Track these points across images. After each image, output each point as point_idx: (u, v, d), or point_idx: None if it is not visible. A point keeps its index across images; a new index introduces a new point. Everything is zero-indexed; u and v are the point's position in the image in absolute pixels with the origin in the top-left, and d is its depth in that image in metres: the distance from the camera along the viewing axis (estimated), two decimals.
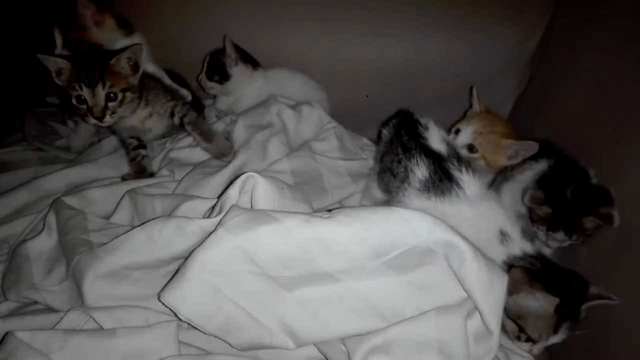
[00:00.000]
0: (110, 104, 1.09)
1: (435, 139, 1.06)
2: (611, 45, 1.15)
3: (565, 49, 1.34)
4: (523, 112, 1.47)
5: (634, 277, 0.88)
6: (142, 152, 1.23)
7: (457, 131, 1.22)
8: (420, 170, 1.01)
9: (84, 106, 1.08)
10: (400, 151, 1.07)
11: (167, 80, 1.28)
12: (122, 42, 1.24)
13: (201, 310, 0.77)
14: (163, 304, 0.78)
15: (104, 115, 1.09)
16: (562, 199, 1.00)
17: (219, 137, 1.23)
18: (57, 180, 1.19)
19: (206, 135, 1.21)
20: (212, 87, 1.45)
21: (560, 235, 1.02)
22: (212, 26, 1.47)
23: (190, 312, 0.77)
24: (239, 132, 1.28)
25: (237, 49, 1.42)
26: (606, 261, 0.97)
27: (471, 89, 1.30)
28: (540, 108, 1.37)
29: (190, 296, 0.77)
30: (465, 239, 0.81)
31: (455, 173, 0.99)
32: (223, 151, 1.21)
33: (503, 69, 1.47)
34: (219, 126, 1.30)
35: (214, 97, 1.53)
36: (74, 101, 1.08)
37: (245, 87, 1.44)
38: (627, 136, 1.00)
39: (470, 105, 1.30)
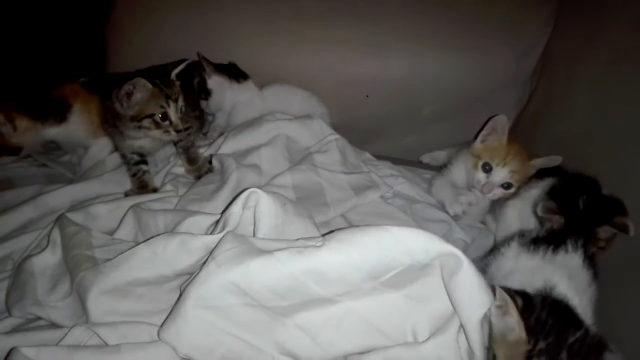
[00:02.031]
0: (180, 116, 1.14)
1: None
2: (611, 60, 1.16)
3: (565, 64, 1.35)
4: (524, 127, 1.47)
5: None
6: (143, 167, 1.24)
7: (487, 167, 1.20)
8: None
9: (167, 122, 1.11)
10: None
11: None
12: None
13: (199, 345, 0.77)
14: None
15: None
16: (575, 209, 0.99)
17: (201, 161, 1.28)
18: (62, 196, 1.19)
19: (191, 160, 1.27)
20: (206, 105, 1.47)
21: (578, 253, 0.98)
22: (215, 44, 1.49)
23: (189, 348, 0.77)
24: (224, 157, 1.26)
25: (219, 65, 1.44)
26: (611, 276, 0.97)
27: (490, 118, 1.23)
28: (541, 123, 1.37)
29: (186, 333, 0.77)
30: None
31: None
32: (201, 174, 1.26)
33: (504, 85, 1.48)
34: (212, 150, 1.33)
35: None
36: (157, 118, 1.10)
37: (226, 98, 1.45)
38: (628, 151, 1.01)
39: (482, 128, 1.25)
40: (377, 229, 0.81)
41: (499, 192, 1.20)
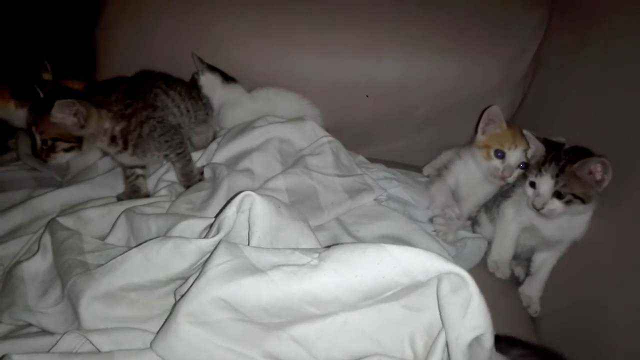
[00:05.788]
0: (44, 148, 1.09)
1: None
2: (603, 64, 1.16)
3: (558, 66, 1.36)
4: None
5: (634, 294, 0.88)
6: (138, 171, 1.23)
7: (499, 154, 1.23)
8: None
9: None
10: None
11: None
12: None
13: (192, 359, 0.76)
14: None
15: (41, 156, 1.09)
16: (558, 147, 1.06)
17: (194, 173, 1.27)
18: (52, 200, 1.18)
19: (185, 176, 1.25)
20: None
21: (547, 180, 1.02)
22: (207, 45, 1.49)
23: None
24: (216, 165, 1.26)
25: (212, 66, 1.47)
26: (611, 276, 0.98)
27: (484, 110, 1.28)
28: (534, 126, 1.36)
29: (178, 348, 0.75)
30: None
31: None
32: (191, 184, 1.25)
33: (496, 88, 1.48)
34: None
35: None
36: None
37: (215, 96, 1.46)
38: (622, 152, 1.01)
39: (478, 122, 1.29)
40: (376, 249, 0.77)
41: (516, 174, 1.23)
